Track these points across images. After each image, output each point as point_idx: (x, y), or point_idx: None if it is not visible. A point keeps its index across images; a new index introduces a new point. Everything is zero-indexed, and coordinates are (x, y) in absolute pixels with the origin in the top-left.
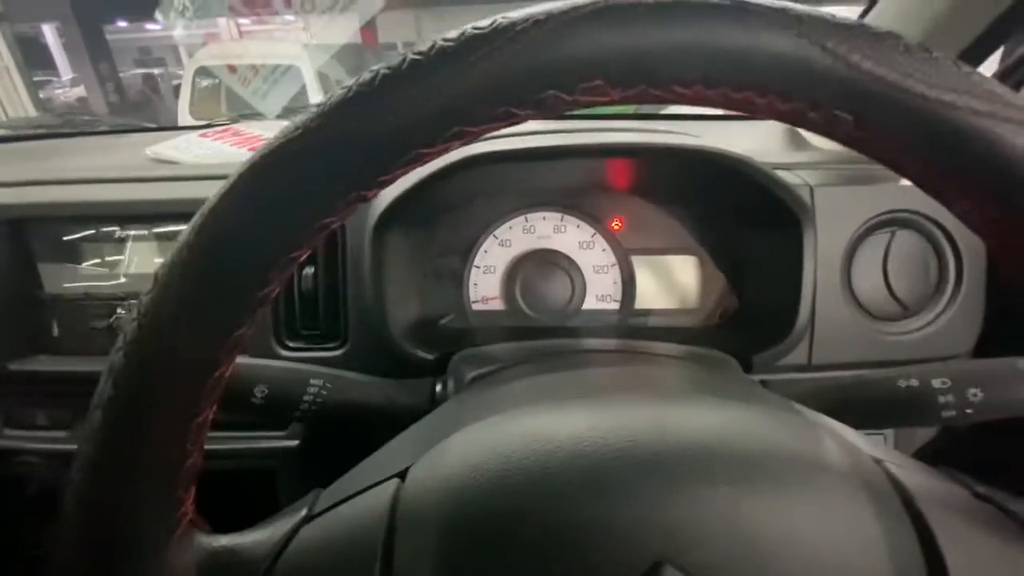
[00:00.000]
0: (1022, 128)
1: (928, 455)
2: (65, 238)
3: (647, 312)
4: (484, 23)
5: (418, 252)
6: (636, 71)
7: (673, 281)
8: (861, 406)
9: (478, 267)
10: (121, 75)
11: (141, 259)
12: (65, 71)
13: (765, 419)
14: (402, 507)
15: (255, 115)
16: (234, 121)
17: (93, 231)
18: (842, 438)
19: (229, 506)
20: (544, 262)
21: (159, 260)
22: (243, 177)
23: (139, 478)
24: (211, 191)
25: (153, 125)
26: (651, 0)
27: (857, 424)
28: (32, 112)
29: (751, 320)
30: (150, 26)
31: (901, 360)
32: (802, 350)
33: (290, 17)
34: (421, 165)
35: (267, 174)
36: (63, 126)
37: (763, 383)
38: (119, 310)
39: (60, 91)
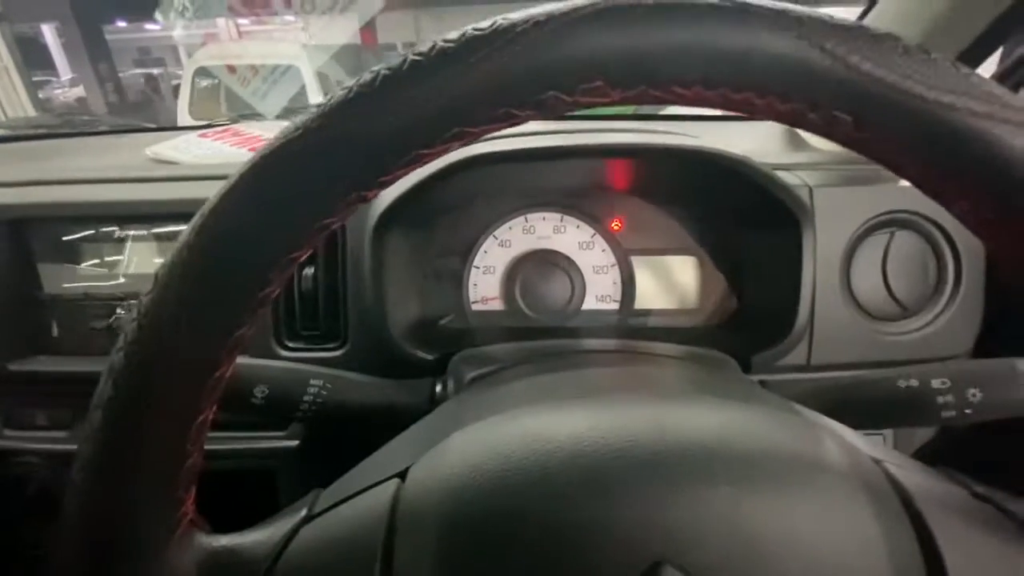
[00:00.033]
0: (1020, 129)
1: (927, 455)
2: (65, 238)
3: (646, 312)
4: (484, 24)
5: (418, 252)
6: (636, 72)
7: (672, 281)
8: (860, 406)
9: (478, 267)
10: (120, 75)
11: (141, 259)
12: (64, 71)
13: (764, 419)
14: (402, 507)
15: (255, 115)
16: (234, 121)
17: (93, 231)
18: (841, 438)
19: (229, 506)
20: (544, 262)
21: (159, 260)
22: (243, 177)
23: (139, 478)
24: (211, 191)
25: (153, 125)
26: (651, 1)
27: (856, 424)
28: (31, 112)
29: (750, 320)
30: (149, 26)
31: (900, 360)
32: (801, 350)
33: (289, 17)
34: (421, 166)
35: (267, 174)
36: (62, 126)
37: (762, 383)
38: (119, 310)
39: (59, 91)
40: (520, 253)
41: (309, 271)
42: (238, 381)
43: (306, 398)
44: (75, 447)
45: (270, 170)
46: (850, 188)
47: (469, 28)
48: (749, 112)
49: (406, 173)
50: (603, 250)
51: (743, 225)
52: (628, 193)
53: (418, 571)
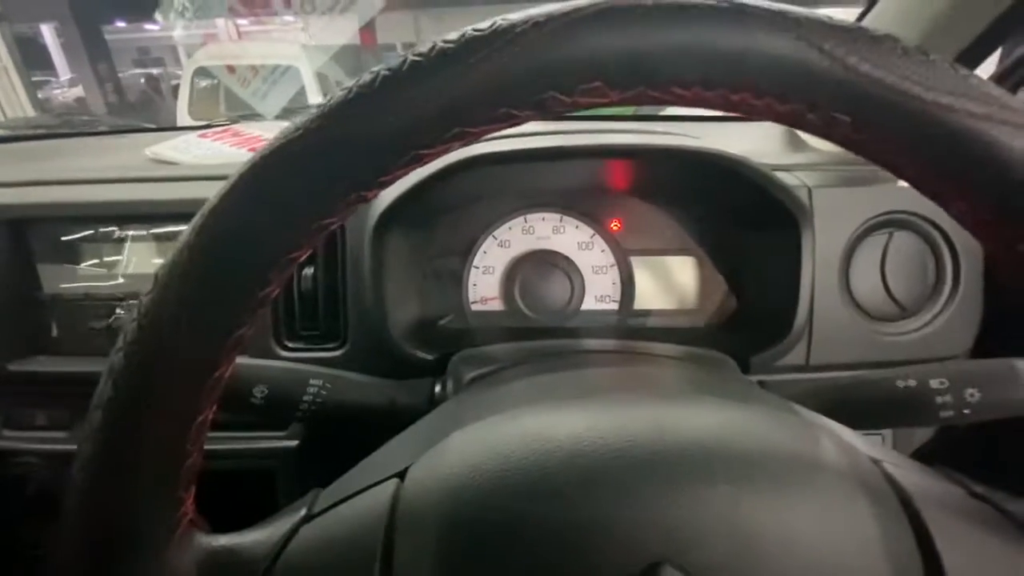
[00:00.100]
0: (1018, 130)
1: (926, 455)
2: (64, 238)
3: (646, 313)
4: (484, 25)
5: (418, 253)
6: (635, 73)
7: (672, 282)
8: (859, 406)
9: (477, 268)
10: (120, 75)
11: (140, 259)
12: (63, 71)
13: (763, 419)
14: (401, 507)
15: (254, 115)
16: (233, 122)
17: (92, 231)
18: (840, 438)
19: (229, 506)
20: (543, 263)
21: (158, 260)
22: (243, 177)
23: (139, 478)
24: (210, 191)
25: (152, 126)
26: (650, 2)
27: (855, 424)
28: (30, 112)
29: (749, 321)
30: (149, 26)
31: (899, 360)
32: (800, 351)
33: (289, 18)
34: (421, 166)
35: (267, 175)
36: (62, 126)
37: (761, 383)
38: (118, 310)
39: (58, 91)
40: (519, 253)
41: (309, 271)
42: (238, 381)
43: (305, 398)
44: (75, 447)
45: (270, 170)
46: (849, 189)
47: (469, 29)
48: (748, 113)
49: (406, 173)
50: (602, 250)
51: (742, 226)
52: (627, 193)
53: (418, 571)
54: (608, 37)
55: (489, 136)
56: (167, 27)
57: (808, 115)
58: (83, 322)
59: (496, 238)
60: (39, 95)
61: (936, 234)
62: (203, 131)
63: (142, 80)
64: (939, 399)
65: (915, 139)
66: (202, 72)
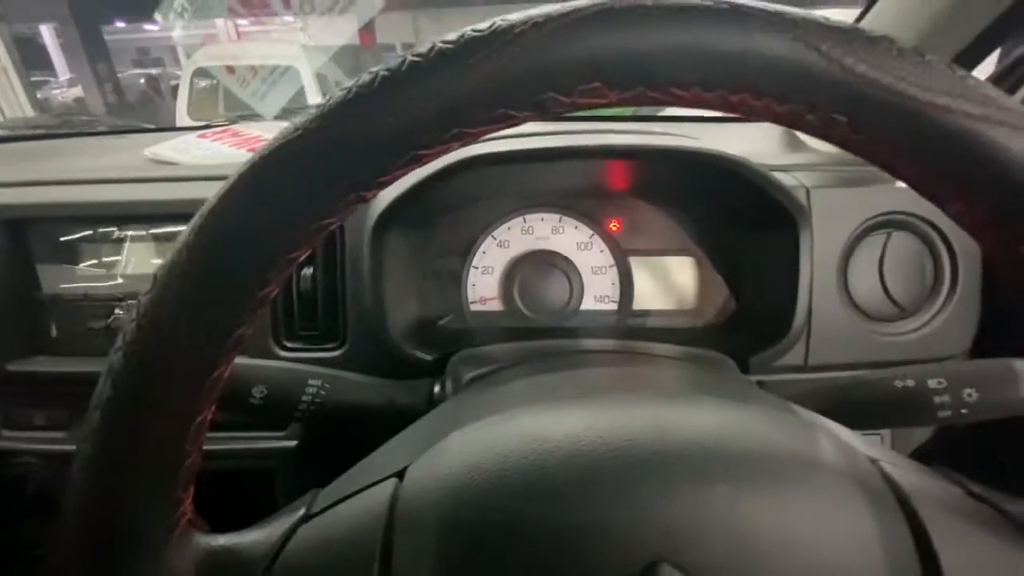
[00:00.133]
0: (1015, 131)
1: (925, 455)
2: (63, 239)
3: (645, 313)
4: (483, 25)
5: (417, 253)
6: (634, 73)
7: (671, 282)
8: (857, 406)
9: (476, 268)
10: (119, 75)
11: (139, 260)
12: (63, 71)
13: (762, 419)
14: (400, 506)
15: (253, 116)
16: (233, 122)
17: (91, 232)
18: (838, 438)
19: (227, 506)
20: (542, 263)
21: (157, 261)
22: (242, 178)
23: (138, 478)
24: (210, 192)
25: (151, 126)
26: (649, 3)
27: (854, 424)
28: (30, 112)
29: (748, 321)
30: (148, 26)
31: (897, 361)
32: (799, 351)
33: (288, 18)
34: (420, 166)
35: (266, 175)
36: (61, 126)
37: (760, 384)
38: (117, 311)
39: (57, 91)
40: (519, 254)
41: (308, 271)
42: (237, 381)
43: (304, 398)
44: (74, 447)
45: (269, 170)
46: (847, 189)
47: (468, 29)
48: (747, 113)
49: (405, 173)
50: (601, 251)
51: (741, 226)
52: (626, 194)
53: (416, 570)
54: (607, 38)
55: (488, 136)
56: (166, 27)
57: (806, 116)
58: (82, 322)
59: (495, 238)
60: (38, 95)
61: (934, 235)
62: (202, 131)
63: (141, 80)
64: (937, 399)
65: (912, 140)
66: (201, 72)
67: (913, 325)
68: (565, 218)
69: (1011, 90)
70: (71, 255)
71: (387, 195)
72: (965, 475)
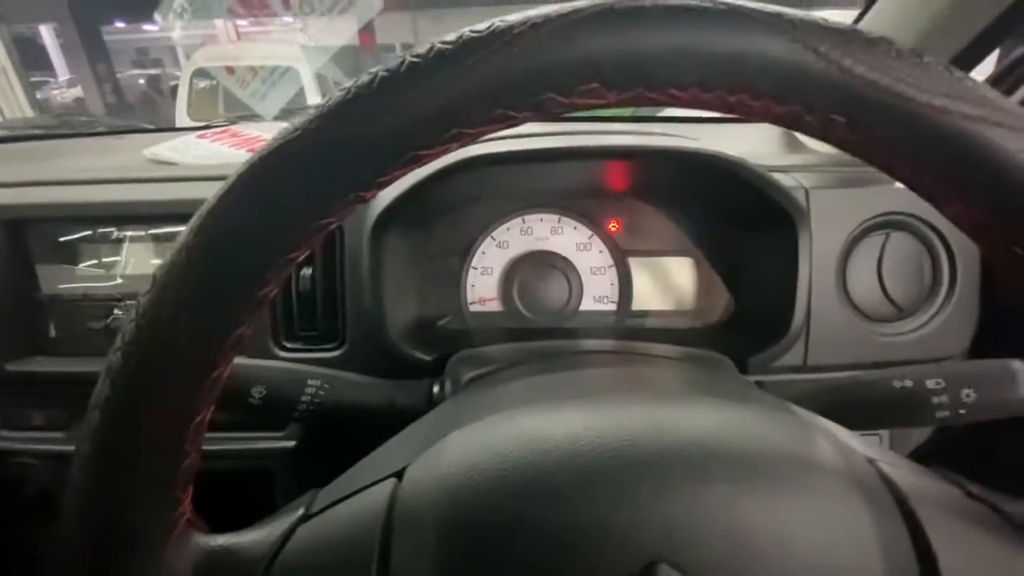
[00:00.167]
0: (1012, 132)
1: (923, 455)
2: (63, 239)
3: (644, 313)
4: (481, 26)
5: (416, 253)
6: (632, 74)
7: (670, 283)
8: (856, 407)
9: (476, 268)
10: (119, 76)
11: (138, 260)
12: (62, 72)
13: (760, 419)
14: (399, 507)
15: (253, 116)
16: (232, 122)
17: (90, 232)
18: (836, 438)
19: (226, 506)
20: (541, 263)
21: (157, 261)
22: (242, 178)
23: (137, 478)
24: (209, 192)
25: (151, 126)
26: (647, 4)
27: (852, 425)
28: (29, 113)
29: (747, 321)
30: (148, 27)
31: (896, 361)
32: (798, 351)
33: (288, 19)
34: (420, 166)
35: (266, 175)
36: (60, 127)
37: (759, 384)
38: (116, 311)
39: (57, 92)
40: (518, 254)
41: (307, 271)
42: (236, 381)
43: (304, 398)
44: (72, 448)
45: (269, 171)
46: (846, 190)
47: (466, 30)
48: (745, 114)
49: (404, 174)
50: (600, 251)
51: (740, 227)
52: (625, 195)
53: (415, 571)
54: (606, 39)
55: (487, 136)
56: (166, 28)
57: (805, 117)
58: (81, 322)
59: (494, 239)
60: (37, 95)
61: (933, 235)
62: (201, 132)
63: (140, 81)
64: (935, 399)
65: (910, 141)
66: (201, 73)
67: (912, 325)
68: (564, 219)
69: (1010, 91)
70: (70, 255)
71: (386, 195)
72: (964, 475)
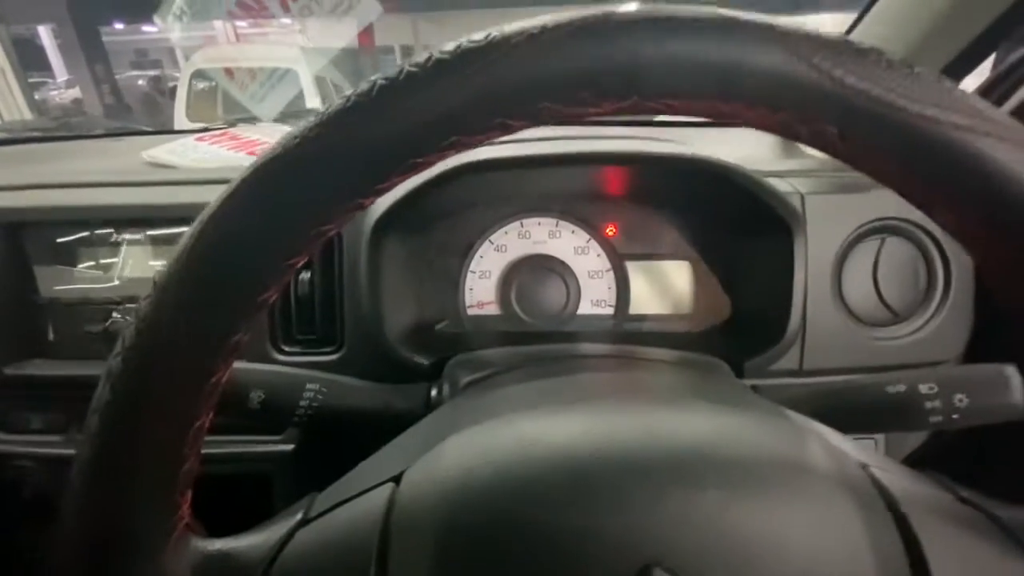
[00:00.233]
0: (1001, 143)
1: (918, 459)
2: (61, 242)
3: (641, 317)
4: (479, 36)
5: (414, 257)
6: (628, 84)
7: (667, 286)
8: (850, 411)
9: (474, 272)
10: (117, 77)
11: (137, 263)
12: (60, 73)
13: (754, 425)
14: (397, 511)
15: (252, 118)
16: (231, 125)
17: (89, 235)
18: (829, 443)
19: (225, 510)
20: (539, 267)
21: (155, 264)
22: (242, 185)
23: (136, 482)
24: (208, 196)
25: (149, 129)
26: (644, 16)
27: (847, 429)
28: (27, 113)
29: (743, 325)
30: (147, 28)
31: (891, 365)
32: (793, 355)
33: (286, 20)
34: (418, 173)
35: (266, 182)
36: (59, 129)
37: (755, 388)
38: (115, 314)
39: (55, 92)
40: (516, 258)
41: (306, 275)
42: (234, 385)
43: (302, 403)
44: (70, 451)
45: (269, 178)
46: (841, 195)
47: (464, 40)
48: (739, 123)
49: (403, 181)
50: (598, 255)
51: (736, 231)
52: (623, 199)
53: (413, 575)
54: (602, 49)
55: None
56: (165, 29)
57: (797, 126)
58: (79, 326)
59: (492, 242)
60: (36, 96)
61: (927, 240)
62: (200, 135)
63: (140, 82)
64: (928, 404)
65: (901, 150)
66: (200, 74)
67: (907, 330)
68: (562, 223)
69: (1003, 98)
70: (69, 258)
71: (384, 200)
72: (960, 479)
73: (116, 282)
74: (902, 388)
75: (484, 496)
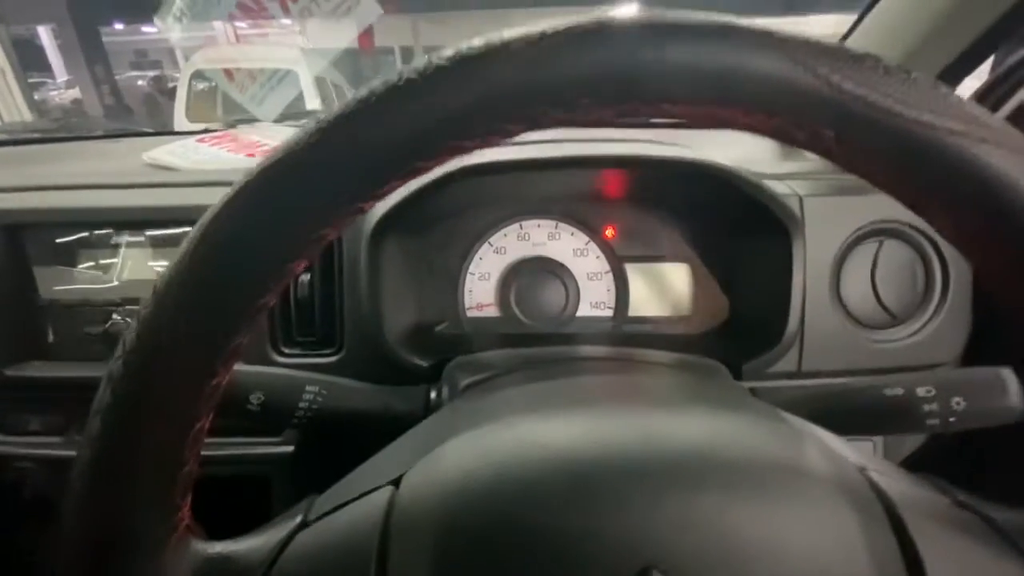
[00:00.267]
0: (996, 148)
1: (916, 462)
2: (61, 244)
3: (640, 319)
4: (478, 42)
5: (413, 259)
6: (627, 90)
7: (666, 289)
8: (847, 414)
9: (473, 274)
10: (117, 77)
11: (137, 265)
12: (60, 73)
13: (752, 428)
14: (396, 514)
15: (252, 119)
16: (231, 126)
17: (89, 237)
18: (827, 447)
19: (224, 511)
20: (538, 269)
21: (155, 266)
22: (243, 190)
23: (137, 485)
24: (208, 197)
25: (150, 130)
26: (642, 22)
27: (844, 431)
28: (27, 114)
29: (742, 327)
30: (146, 28)
31: (889, 367)
32: (792, 357)
33: (287, 21)
34: (416, 178)
35: (267, 187)
36: (59, 130)
37: (753, 390)
38: (114, 316)
39: (55, 93)
40: (515, 260)
41: (305, 277)
42: (234, 387)
43: (302, 405)
44: (70, 453)
45: (269, 183)
46: (840, 198)
47: (463, 46)
48: (737, 128)
49: (401, 185)
50: (597, 257)
51: (735, 234)
52: (622, 201)
53: None
54: (600, 55)
55: None
56: (165, 30)
57: (795, 131)
58: (79, 327)
59: (492, 244)
60: (35, 96)
61: (925, 243)
62: (201, 136)
63: (139, 82)
64: (925, 407)
65: (897, 155)
66: (199, 75)
67: (905, 332)
68: (561, 225)
69: (1001, 101)
70: (69, 260)
71: (384, 202)
72: (957, 482)
73: (116, 284)
74: (899, 391)
75: (484, 499)
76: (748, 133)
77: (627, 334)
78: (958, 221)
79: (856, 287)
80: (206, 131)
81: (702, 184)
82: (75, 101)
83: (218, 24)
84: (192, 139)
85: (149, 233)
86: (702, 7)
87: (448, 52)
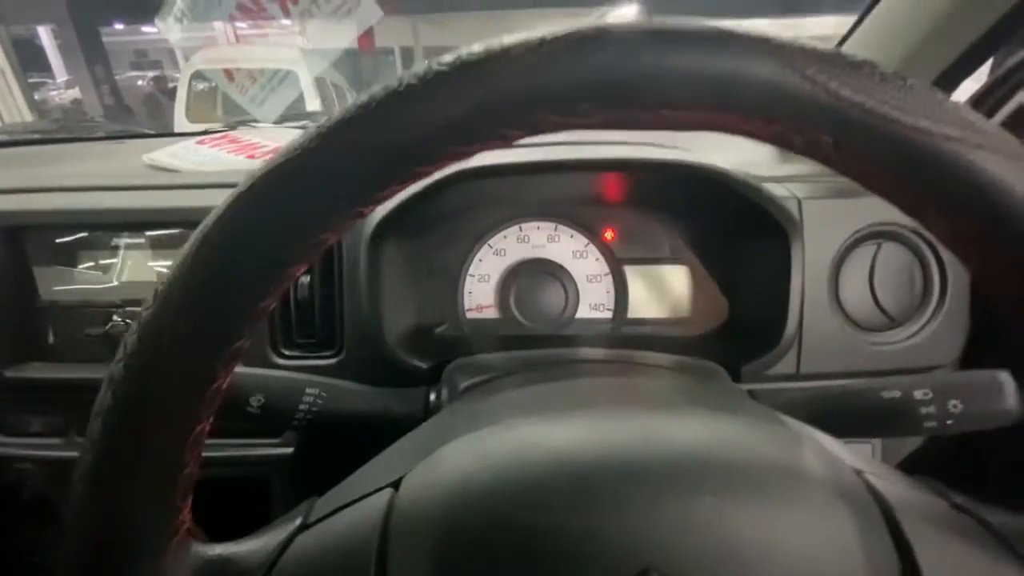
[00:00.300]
0: (992, 154)
1: (914, 464)
2: (61, 245)
3: (639, 321)
4: (478, 48)
5: (413, 261)
6: (626, 96)
7: (665, 290)
8: (845, 417)
9: (472, 276)
10: (117, 78)
11: (137, 266)
12: (60, 73)
13: (750, 431)
14: (396, 516)
15: (252, 120)
16: (231, 127)
17: (90, 238)
18: (824, 449)
19: (223, 513)
20: (538, 271)
21: (155, 267)
22: (244, 194)
23: (137, 488)
24: (208, 199)
25: (150, 131)
26: (641, 28)
27: (842, 434)
28: (27, 114)
29: (741, 330)
30: (146, 28)
31: (887, 370)
32: (790, 360)
33: (287, 21)
34: (417, 182)
35: (267, 192)
36: (60, 131)
37: (751, 392)
38: (115, 317)
39: (55, 93)
40: (514, 262)
41: (305, 280)
42: (234, 390)
43: (301, 407)
44: (70, 454)
45: (270, 188)
46: (838, 200)
47: (463, 51)
48: (736, 134)
49: (402, 189)
50: (596, 259)
51: (734, 236)
52: (621, 204)
53: None
54: (600, 61)
55: None
56: (165, 30)
57: (792, 137)
58: (79, 328)
59: (491, 246)
60: (35, 97)
61: (924, 246)
62: (201, 137)
63: (139, 83)
64: (923, 410)
65: (894, 162)
66: (199, 75)
67: (903, 335)
68: (560, 227)
69: (998, 104)
70: (69, 261)
71: (384, 205)
72: (954, 485)
73: (116, 285)
74: (897, 394)
75: (483, 501)
76: (747, 139)
77: (626, 336)
78: (954, 226)
79: (854, 290)
80: (206, 132)
81: (701, 187)
82: (75, 101)
83: (218, 24)
84: (192, 140)
85: (149, 234)
86: (702, 7)
87: (448, 58)
